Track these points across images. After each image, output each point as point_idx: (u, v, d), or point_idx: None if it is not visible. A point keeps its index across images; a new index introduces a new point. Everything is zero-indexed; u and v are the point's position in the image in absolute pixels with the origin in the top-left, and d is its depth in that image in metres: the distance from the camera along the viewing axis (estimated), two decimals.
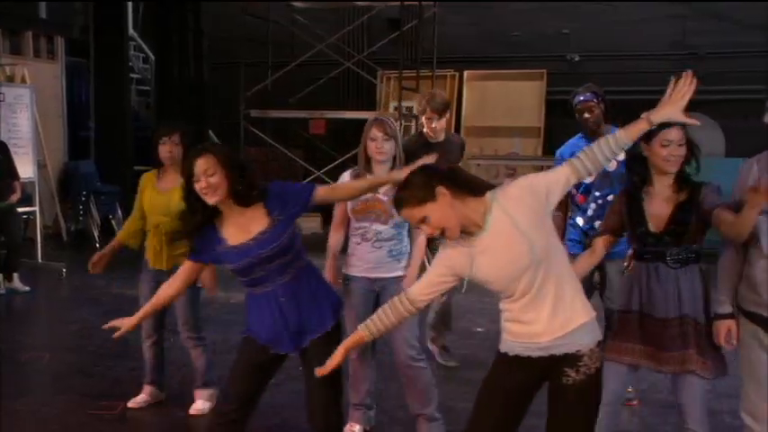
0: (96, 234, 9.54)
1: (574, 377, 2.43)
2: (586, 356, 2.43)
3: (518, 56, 10.56)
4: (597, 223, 4.00)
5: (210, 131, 11.10)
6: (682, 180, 2.95)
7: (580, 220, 4.18)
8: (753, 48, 9.69)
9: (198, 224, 2.81)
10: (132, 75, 11.60)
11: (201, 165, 2.73)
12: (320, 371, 2.53)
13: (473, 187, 2.45)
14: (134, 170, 9.07)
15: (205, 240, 2.83)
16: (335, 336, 2.85)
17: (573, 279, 2.48)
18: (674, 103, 2.50)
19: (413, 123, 10.51)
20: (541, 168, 10.15)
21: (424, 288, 2.52)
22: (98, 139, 10.41)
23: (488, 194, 2.43)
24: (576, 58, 10.52)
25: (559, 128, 9.04)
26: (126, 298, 5.69)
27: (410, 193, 2.39)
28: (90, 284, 7.25)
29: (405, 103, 9.82)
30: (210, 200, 2.75)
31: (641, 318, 2.94)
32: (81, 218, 9.71)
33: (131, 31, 11.50)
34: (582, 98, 4.07)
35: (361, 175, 3.52)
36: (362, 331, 2.56)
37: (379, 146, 3.47)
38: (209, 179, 2.73)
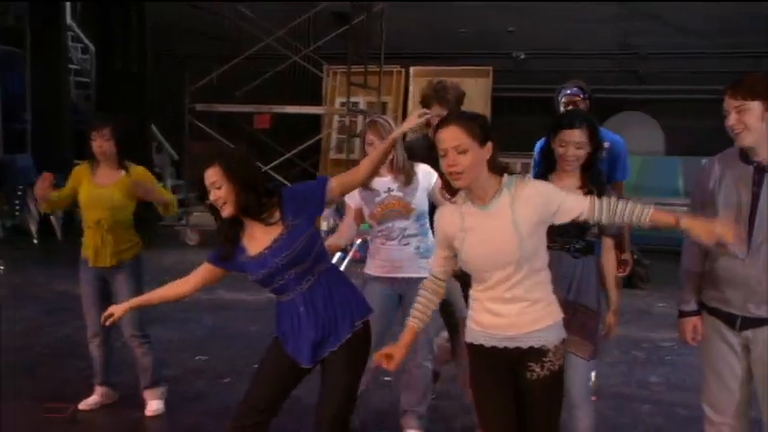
0: (34, 230, 9.34)
1: (538, 372, 2.53)
2: (551, 352, 2.54)
3: (464, 53, 10.71)
4: None
5: (153, 126, 10.96)
6: (589, 178, 3.08)
7: None
8: (692, 49, 10.04)
9: (226, 233, 2.75)
10: (71, 66, 11.35)
11: (210, 176, 2.68)
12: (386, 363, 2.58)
13: (498, 164, 2.52)
14: (74, 164, 8.87)
15: (233, 248, 2.78)
16: (354, 342, 2.79)
17: (549, 286, 2.58)
18: (711, 230, 2.43)
19: (358, 119, 10.59)
20: None
21: (438, 265, 2.64)
22: (35, 133, 10.18)
23: (506, 177, 2.52)
24: (522, 56, 10.72)
25: (506, 125, 9.23)
26: (69, 296, 5.65)
27: (473, 123, 2.46)
28: (30, 282, 7.13)
29: (352, 99, 9.89)
30: (223, 212, 2.71)
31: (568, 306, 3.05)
32: (17, 213, 9.48)
33: (69, 20, 11.26)
34: (568, 91, 4.12)
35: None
36: (414, 324, 2.63)
37: (372, 149, 3.45)
38: (217, 191, 2.68)
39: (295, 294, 2.76)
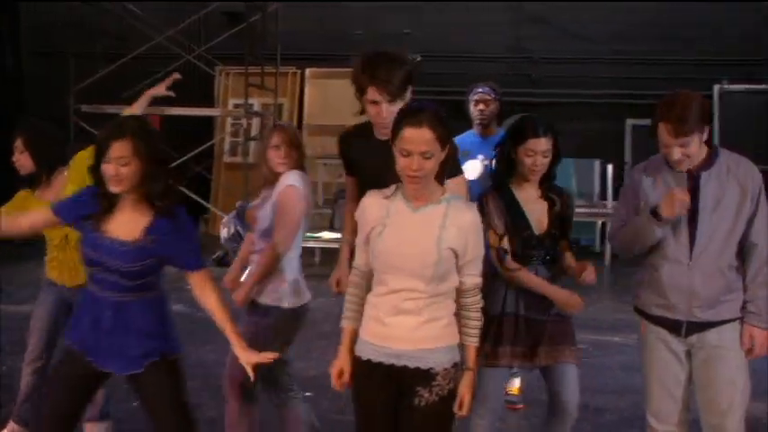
0: None
1: (426, 397, 2.41)
2: (440, 376, 2.42)
3: (359, 55, 10.69)
4: None
5: None
6: (548, 187, 3.10)
7: None
8: (583, 54, 10.38)
9: (106, 204, 2.57)
10: None
11: (116, 149, 2.46)
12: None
13: (444, 172, 2.47)
14: None
15: (79, 203, 2.61)
16: (152, 373, 2.63)
17: (452, 308, 2.49)
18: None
19: (254, 121, 10.42)
20: None
21: (361, 257, 2.52)
22: None
23: (448, 192, 2.49)
24: (418, 59, 10.80)
25: None
26: None
27: (443, 127, 2.38)
28: None
29: (249, 100, 9.71)
30: (112, 188, 2.51)
31: (517, 320, 3.04)
32: None
33: None
34: (480, 90, 4.24)
35: (268, 183, 3.35)
36: (350, 325, 2.50)
37: (282, 155, 3.30)
38: (121, 168, 2.48)
39: (106, 295, 2.62)
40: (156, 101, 4.09)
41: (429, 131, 2.35)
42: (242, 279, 3.43)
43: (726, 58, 9.95)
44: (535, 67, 10.63)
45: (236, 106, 10.44)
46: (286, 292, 3.31)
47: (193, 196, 9.19)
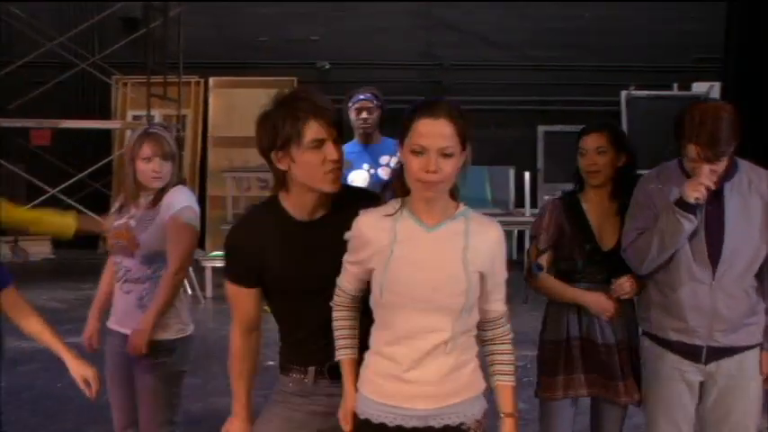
0: None
1: None
2: (472, 430, 2.09)
3: (266, 63, 10.47)
4: None
5: None
6: (619, 190, 2.81)
7: None
8: (494, 61, 10.45)
9: None
10: None
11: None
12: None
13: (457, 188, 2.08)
14: None
15: None
16: None
17: (475, 345, 2.13)
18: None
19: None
20: None
21: (349, 281, 2.12)
22: None
23: (462, 206, 2.08)
24: (327, 66, 10.67)
25: None
26: None
27: (463, 120, 1.97)
28: None
29: (150, 112, 9.32)
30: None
31: (582, 345, 2.82)
32: None
33: None
34: (362, 97, 4.00)
35: (126, 205, 3.02)
36: (348, 356, 2.14)
37: (157, 168, 2.93)
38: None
39: None
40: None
41: (448, 124, 1.95)
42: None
43: (632, 65, 10.19)
44: (446, 74, 10.63)
45: (136, 118, 10.01)
46: (187, 317, 3.08)
47: (90, 214, 8.74)
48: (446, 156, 1.95)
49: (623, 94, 10.02)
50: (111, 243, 3.01)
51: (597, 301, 2.78)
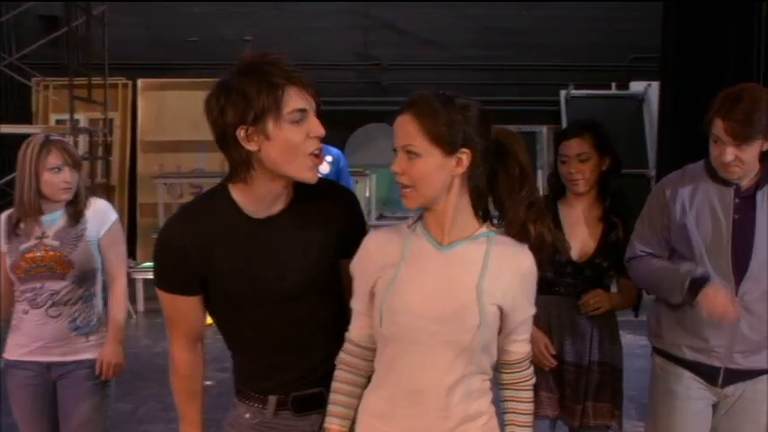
0: None
1: None
2: None
3: (198, 63, 10.23)
4: None
5: None
6: (605, 195, 2.67)
7: None
8: (433, 60, 10.40)
9: None
10: None
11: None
12: None
13: (483, 201, 1.79)
14: None
15: None
16: None
17: (490, 392, 1.86)
18: None
19: (81, 138, 9.69)
20: None
21: (360, 326, 1.82)
22: None
23: (486, 226, 1.81)
24: None
25: None
26: None
27: (437, 117, 1.70)
28: None
29: (74, 115, 8.98)
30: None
31: (560, 366, 2.67)
32: None
33: None
34: None
35: (26, 223, 2.79)
36: (337, 426, 1.83)
37: (68, 178, 2.77)
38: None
39: None
40: None
41: (412, 121, 1.71)
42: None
43: (571, 65, 10.28)
44: (385, 74, 10.57)
45: (59, 122, 9.65)
46: None
47: None
48: (412, 157, 1.71)
49: (563, 93, 10.12)
50: (24, 269, 2.77)
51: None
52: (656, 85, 8.60)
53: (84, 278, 2.86)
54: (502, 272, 1.74)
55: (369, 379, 1.85)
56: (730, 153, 2.32)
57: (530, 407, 1.87)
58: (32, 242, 2.80)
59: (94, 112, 9.37)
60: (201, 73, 10.18)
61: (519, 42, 10.36)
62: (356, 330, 1.85)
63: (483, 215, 1.83)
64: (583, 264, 2.68)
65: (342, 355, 1.86)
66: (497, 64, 10.35)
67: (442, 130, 1.72)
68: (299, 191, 1.91)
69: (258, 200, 1.88)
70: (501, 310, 1.74)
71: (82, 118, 9.54)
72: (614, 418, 2.68)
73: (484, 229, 1.79)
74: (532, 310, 1.83)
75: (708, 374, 2.48)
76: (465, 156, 1.73)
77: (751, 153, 2.33)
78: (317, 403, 1.94)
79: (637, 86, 10.04)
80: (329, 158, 3.90)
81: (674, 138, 7.15)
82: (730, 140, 2.31)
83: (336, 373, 1.87)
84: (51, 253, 2.80)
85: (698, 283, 2.39)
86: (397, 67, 10.51)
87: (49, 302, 2.82)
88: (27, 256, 2.80)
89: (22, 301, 2.84)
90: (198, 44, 10.30)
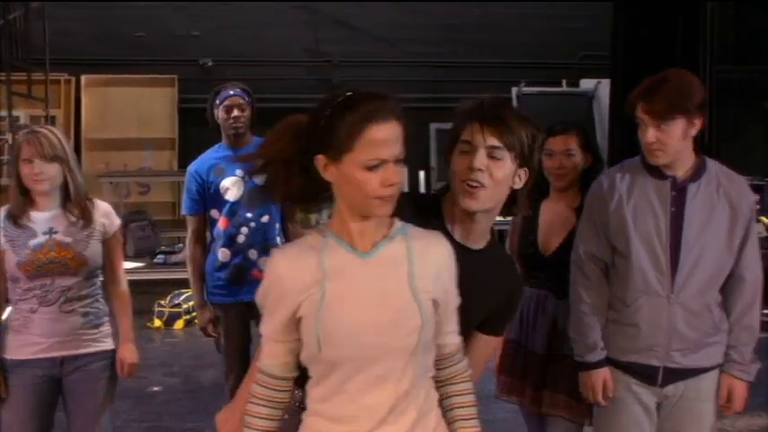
0: None
1: None
2: None
3: (144, 59, 10.06)
4: (252, 252, 3.70)
5: None
6: (584, 192, 2.66)
7: (224, 253, 3.71)
8: (384, 57, 10.39)
9: None
10: None
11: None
12: None
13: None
14: None
15: None
16: None
17: (435, 391, 1.82)
18: None
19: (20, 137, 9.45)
20: (179, 184, 9.82)
21: (273, 354, 1.74)
22: None
23: (397, 221, 1.76)
24: (210, 63, 10.36)
25: (195, 139, 8.77)
26: None
27: (405, 120, 1.68)
28: None
29: (13, 112, 8.75)
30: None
31: (519, 350, 2.72)
32: None
33: None
34: (231, 93, 3.70)
35: (17, 215, 2.80)
36: None
37: (36, 170, 2.75)
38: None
39: None
40: None
41: (399, 125, 1.67)
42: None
43: (522, 62, 10.37)
44: (335, 71, 10.52)
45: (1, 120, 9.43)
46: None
47: None
48: (398, 163, 1.68)
49: (514, 90, 10.19)
50: (36, 265, 2.80)
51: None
52: (606, 82, 8.69)
53: (93, 274, 2.93)
54: (428, 264, 1.72)
55: (282, 406, 1.80)
56: (651, 134, 2.34)
57: (472, 399, 1.86)
58: (41, 239, 2.81)
59: (35, 109, 9.14)
60: (148, 69, 10.04)
61: (470, 39, 10.42)
62: (270, 360, 1.77)
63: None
64: (551, 258, 2.74)
65: (256, 388, 1.78)
66: (449, 61, 10.40)
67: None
68: (493, 244, 2.06)
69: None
70: (435, 302, 1.73)
71: (22, 115, 9.31)
72: (573, 411, 2.69)
73: (397, 224, 1.76)
74: (458, 299, 1.80)
75: (647, 374, 2.46)
76: (320, 160, 1.74)
77: (673, 135, 2.33)
78: None
79: (587, 84, 10.16)
80: None
81: (624, 135, 7.25)
82: (650, 120, 2.33)
83: (250, 407, 1.78)
84: (65, 251, 2.83)
85: (589, 365, 2.50)
86: (347, 64, 10.48)
87: (62, 298, 2.84)
88: (39, 252, 2.81)
89: (28, 299, 2.83)
90: (144, 40, 10.13)
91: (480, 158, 1.87)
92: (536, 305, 2.75)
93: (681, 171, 2.42)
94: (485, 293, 1.95)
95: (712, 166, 2.48)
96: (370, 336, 1.66)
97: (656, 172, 2.43)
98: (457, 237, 1.95)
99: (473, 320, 1.98)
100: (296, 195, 1.78)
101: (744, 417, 4.48)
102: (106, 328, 2.99)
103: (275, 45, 10.24)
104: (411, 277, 1.69)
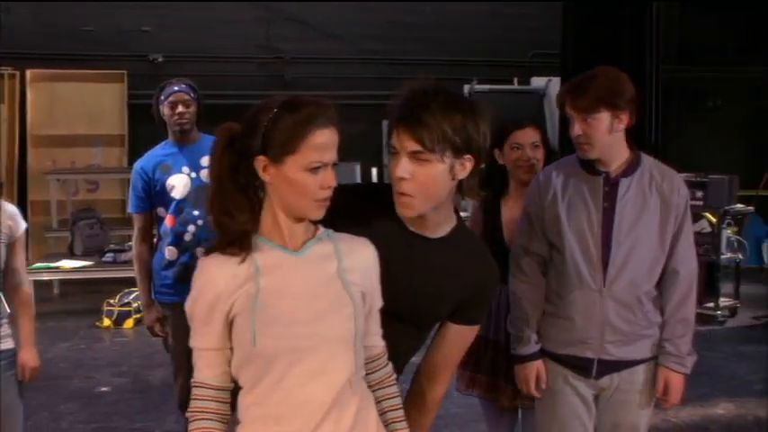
0: None
1: None
2: None
3: (93, 54, 9.87)
4: (199, 250, 3.61)
5: None
6: None
7: (171, 251, 3.66)
8: (337, 54, 10.35)
9: None
10: None
11: None
12: None
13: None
14: None
15: None
16: None
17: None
18: None
19: None
20: (128, 182, 9.66)
21: (212, 364, 1.72)
22: None
23: (321, 227, 1.80)
24: (160, 59, 10.21)
25: (145, 135, 8.64)
26: None
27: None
28: None
29: None
30: None
31: (487, 344, 2.74)
32: None
33: None
34: (176, 88, 3.64)
35: None
36: None
37: None
38: None
39: None
40: None
41: (336, 132, 1.75)
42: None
43: (474, 60, 10.43)
44: (288, 68, 10.46)
45: None
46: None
47: None
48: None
49: (466, 87, 10.24)
50: None
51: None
52: (556, 80, 8.81)
53: None
54: (356, 261, 1.77)
55: (224, 418, 1.76)
56: (578, 128, 2.40)
57: (400, 401, 1.89)
58: None
59: None
60: (97, 64, 9.86)
61: (423, 37, 10.46)
62: (210, 371, 1.73)
63: None
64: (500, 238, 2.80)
65: (200, 404, 1.73)
66: (401, 58, 10.38)
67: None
68: (460, 232, 2.00)
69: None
70: (363, 295, 1.76)
71: None
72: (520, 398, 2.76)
73: (321, 229, 1.80)
74: (381, 302, 1.82)
75: (582, 367, 2.49)
76: (262, 162, 1.74)
77: (598, 128, 2.37)
78: None
79: (538, 82, 10.26)
80: None
81: None
82: (576, 115, 2.39)
83: (195, 425, 1.72)
84: None
85: (523, 358, 2.55)
86: (300, 60, 10.43)
87: None
88: None
89: None
90: (93, 34, 9.94)
91: (403, 166, 1.82)
92: (504, 300, 2.75)
93: (613, 166, 2.46)
94: (449, 282, 1.92)
95: (646, 161, 2.52)
96: (306, 325, 1.67)
97: (590, 168, 2.48)
98: (411, 227, 1.92)
99: (440, 310, 1.97)
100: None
101: (686, 407, 4.58)
102: (6, 328, 2.94)
103: (227, 41, 10.14)
104: (341, 271, 1.74)
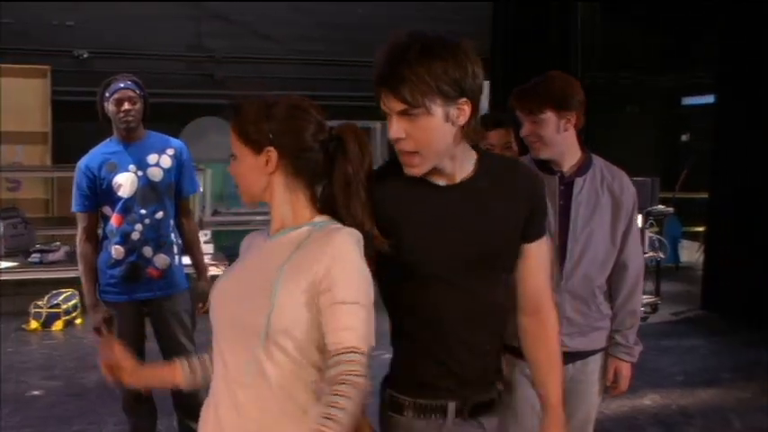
0: None
1: None
2: None
3: (15, 49, 9.54)
4: (147, 249, 3.63)
5: None
6: None
7: (117, 251, 3.62)
8: (268, 54, 10.28)
9: None
10: None
11: None
12: None
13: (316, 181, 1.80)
14: None
15: None
16: None
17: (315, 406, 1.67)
18: None
19: None
20: (53, 181, 9.37)
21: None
22: None
23: (319, 217, 1.79)
24: (85, 55, 9.94)
25: (69, 133, 8.42)
26: None
27: (248, 116, 1.87)
28: None
29: None
30: None
31: None
32: None
33: None
34: (122, 85, 3.58)
35: None
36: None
37: None
38: None
39: None
40: None
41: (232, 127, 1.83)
42: None
43: None
44: (218, 67, 10.34)
45: None
46: None
47: None
48: (232, 156, 1.85)
49: None
50: None
51: None
52: (485, 83, 8.96)
53: None
54: (307, 257, 1.69)
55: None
56: (526, 128, 2.52)
57: (338, 405, 1.65)
58: None
59: None
60: (19, 59, 9.51)
61: (353, 38, 10.47)
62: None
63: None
64: None
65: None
66: (332, 59, 10.42)
67: (252, 129, 1.81)
68: (485, 160, 1.91)
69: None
70: (308, 297, 1.66)
71: None
72: None
73: (316, 218, 1.78)
74: (357, 297, 1.65)
75: None
76: (272, 153, 1.79)
77: (545, 128, 2.48)
78: (488, 408, 1.98)
79: None
80: (171, 151, 3.74)
81: None
82: (524, 116, 2.51)
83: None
84: None
85: None
86: (230, 59, 10.33)
87: None
88: None
89: None
90: (14, 27, 9.61)
91: (396, 127, 1.77)
92: None
93: (567, 166, 2.58)
94: (495, 216, 1.88)
95: (597, 162, 2.65)
96: (226, 306, 1.75)
97: (546, 168, 2.57)
98: (440, 182, 1.87)
99: (512, 237, 1.92)
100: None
101: (615, 400, 4.75)
102: None
103: (156, 38, 9.96)
104: (285, 264, 1.69)
